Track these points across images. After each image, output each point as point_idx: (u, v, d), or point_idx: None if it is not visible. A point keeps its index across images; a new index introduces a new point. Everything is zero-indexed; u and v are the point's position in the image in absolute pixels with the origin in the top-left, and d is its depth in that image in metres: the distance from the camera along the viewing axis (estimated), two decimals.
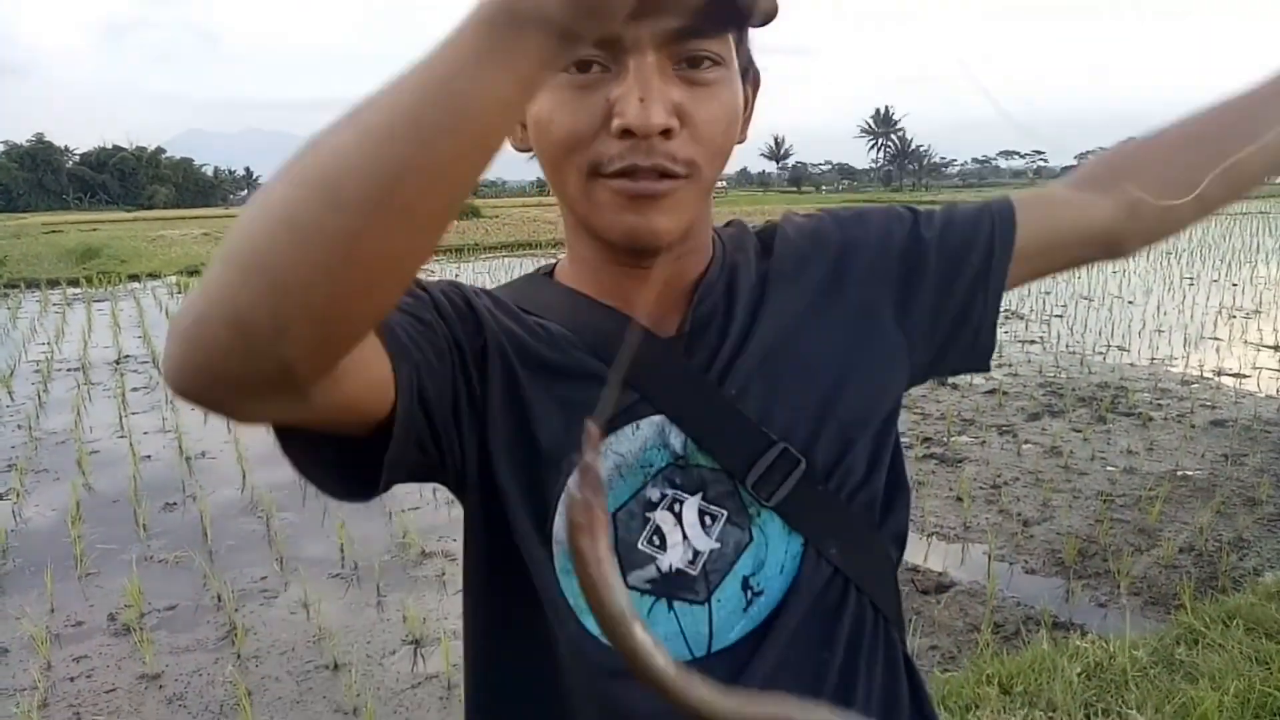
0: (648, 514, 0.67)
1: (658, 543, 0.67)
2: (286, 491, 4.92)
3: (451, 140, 0.43)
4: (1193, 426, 5.57)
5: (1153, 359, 7.64)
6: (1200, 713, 2.44)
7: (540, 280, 0.77)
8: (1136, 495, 4.45)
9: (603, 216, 0.65)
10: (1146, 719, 2.46)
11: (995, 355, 0.85)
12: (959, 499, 4.45)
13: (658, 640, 0.45)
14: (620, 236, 0.66)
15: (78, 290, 15.70)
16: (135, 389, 7.57)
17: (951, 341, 0.79)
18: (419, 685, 3.01)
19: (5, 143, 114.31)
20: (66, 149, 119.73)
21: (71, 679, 3.12)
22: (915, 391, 5.48)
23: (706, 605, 0.68)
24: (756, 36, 0.70)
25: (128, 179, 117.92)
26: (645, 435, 0.68)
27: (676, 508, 0.68)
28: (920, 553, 3.86)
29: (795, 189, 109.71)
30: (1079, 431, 5.55)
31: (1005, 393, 6.50)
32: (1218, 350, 7.86)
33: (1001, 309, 0.80)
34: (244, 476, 5.17)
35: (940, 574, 3.67)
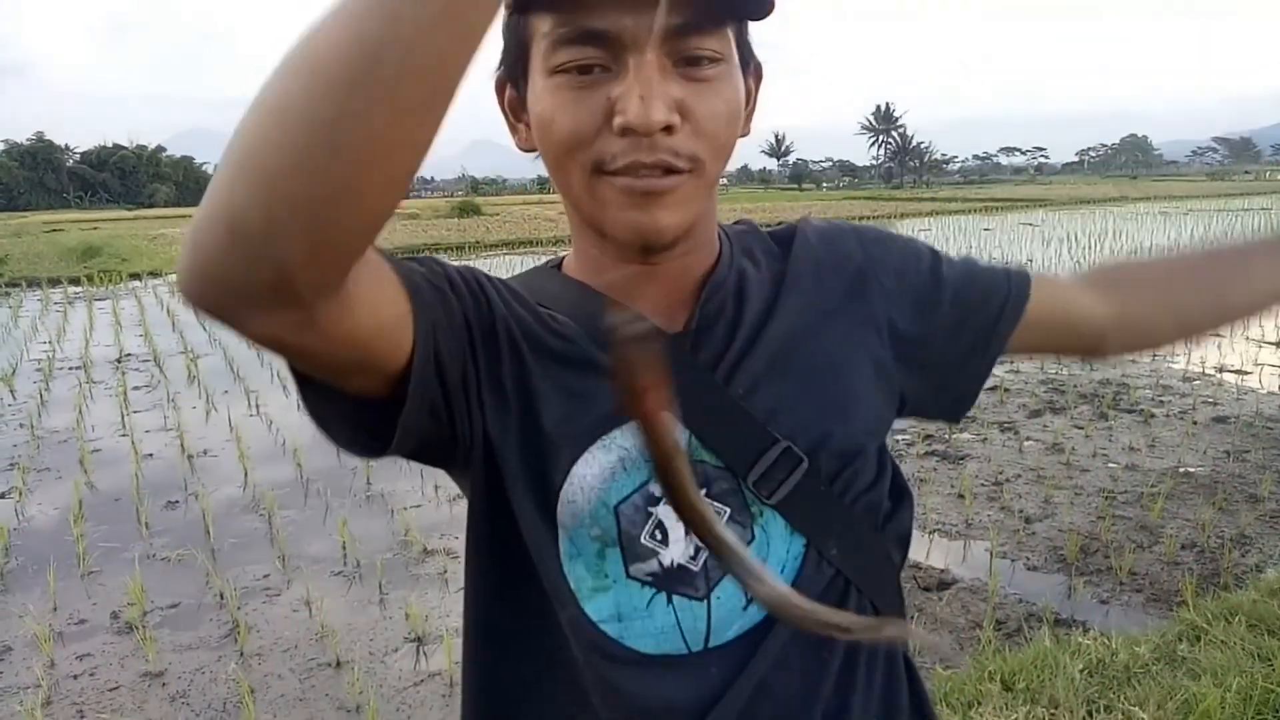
0: (650, 508, 0.67)
1: (660, 537, 0.67)
2: (288, 489, 4.93)
3: (424, 8, 0.42)
4: (1194, 423, 5.57)
5: (1154, 355, 7.63)
6: (1202, 709, 2.44)
7: (549, 272, 0.78)
8: (1138, 492, 4.45)
9: (607, 214, 0.66)
10: (1149, 716, 2.46)
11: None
12: (961, 496, 4.45)
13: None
14: (625, 233, 0.66)
15: (79, 289, 15.71)
16: (137, 387, 7.58)
17: (940, 388, 0.80)
18: (421, 683, 3.02)
19: (6, 141, 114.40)
20: (67, 147, 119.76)
21: (74, 677, 3.13)
22: None
23: (705, 601, 0.68)
24: (756, 31, 0.71)
25: (128, 177, 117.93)
26: None
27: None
28: (922, 550, 3.86)
29: (796, 186, 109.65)
30: (1081, 428, 5.55)
31: (1007, 389, 6.50)
32: (1219, 347, 7.85)
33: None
34: (246, 474, 5.18)
35: (942, 571, 3.67)
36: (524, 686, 0.72)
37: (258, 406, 6.79)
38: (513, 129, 0.73)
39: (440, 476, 5.01)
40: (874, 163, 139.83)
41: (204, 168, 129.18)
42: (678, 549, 0.67)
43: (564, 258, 0.78)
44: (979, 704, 2.56)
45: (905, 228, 25.75)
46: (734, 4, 0.65)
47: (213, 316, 0.49)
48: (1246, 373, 6.91)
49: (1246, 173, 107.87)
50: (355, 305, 0.52)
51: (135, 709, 2.93)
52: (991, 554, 3.79)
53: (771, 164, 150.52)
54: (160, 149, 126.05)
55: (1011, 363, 7.39)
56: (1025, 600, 3.42)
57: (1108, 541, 3.88)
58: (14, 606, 3.66)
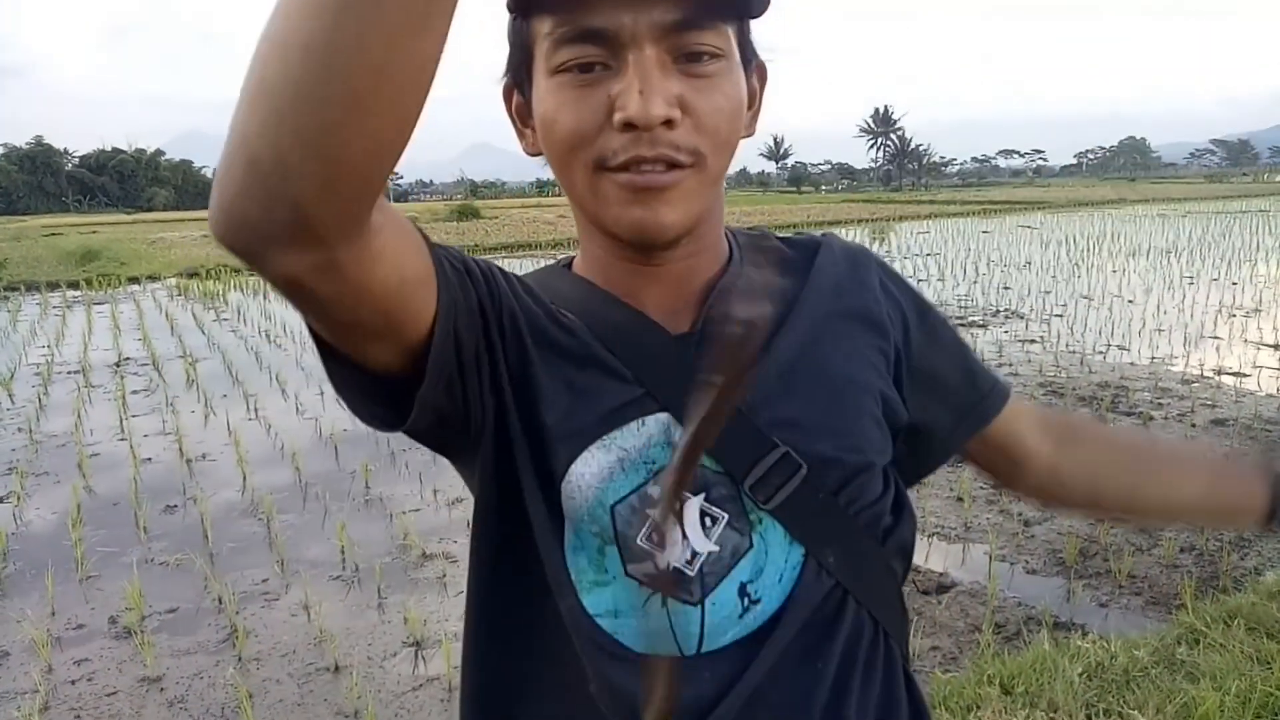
0: (648, 510, 0.67)
1: (656, 540, 0.67)
2: (287, 494, 4.92)
3: None
4: (1193, 426, 5.57)
5: (1153, 358, 7.64)
6: (1202, 712, 2.44)
7: (559, 271, 0.78)
8: None
9: (610, 211, 0.66)
10: (1148, 719, 2.46)
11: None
12: (960, 499, 4.45)
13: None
14: (628, 230, 0.66)
15: (77, 293, 15.71)
16: (135, 391, 7.57)
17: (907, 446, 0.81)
18: (420, 687, 3.01)
19: (5, 145, 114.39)
20: (66, 151, 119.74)
21: (72, 682, 3.12)
22: None
23: (700, 607, 0.68)
24: (766, 35, 0.71)
25: (127, 181, 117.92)
26: (650, 431, 0.68)
27: (677, 506, 0.67)
28: (921, 553, 3.86)
29: (795, 189, 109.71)
30: None
31: None
32: (1218, 349, 7.86)
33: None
34: (244, 479, 5.18)
35: (941, 574, 3.67)
36: (524, 679, 0.72)
37: (256, 410, 6.78)
38: (520, 134, 0.73)
39: (439, 480, 5.02)
40: (873, 165, 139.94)
41: (203, 171, 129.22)
42: (674, 552, 0.67)
43: (574, 258, 0.79)
44: (978, 707, 2.56)
45: (904, 230, 25.77)
46: (731, 1, 0.65)
47: (240, 257, 0.50)
48: (1245, 375, 6.91)
49: (1244, 175, 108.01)
50: (379, 256, 0.53)
51: (133, 714, 2.92)
52: (990, 557, 3.79)
53: (770, 167, 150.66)
54: (159, 153, 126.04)
55: (1011, 366, 7.40)
56: (1024, 603, 3.42)
57: (1107, 545, 3.88)
58: (12, 611, 3.65)
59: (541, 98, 0.67)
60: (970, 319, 9.81)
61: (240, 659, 3.21)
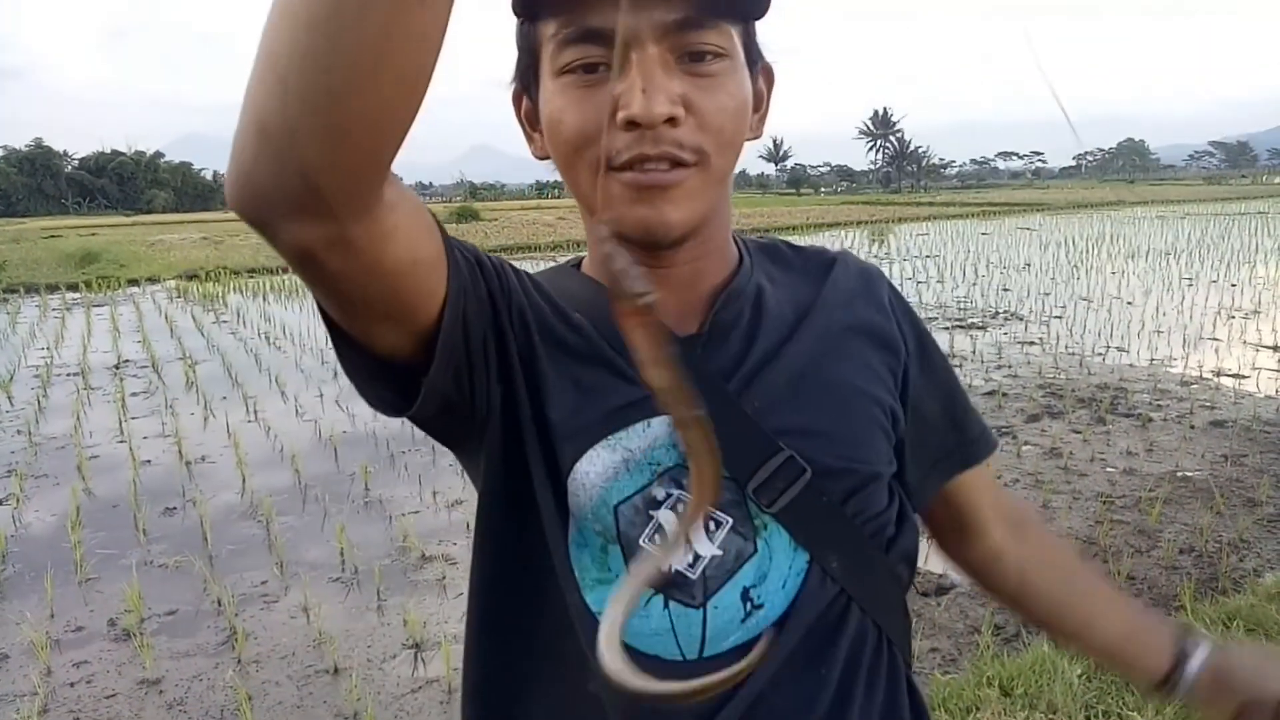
0: (651, 511, 0.67)
1: (659, 541, 0.67)
2: (286, 496, 4.92)
3: None
4: (1192, 427, 5.58)
5: (1152, 360, 7.64)
6: (1202, 714, 2.44)
7: (568, 271, 0.78)
8: (1136, 496, 4.45)
9: (615, 210, 0.66)
10: None
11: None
12: None
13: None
14: (633, 229, 0.66)
15: (77, 295, 15.70)
16: (135, 394, 7.57)
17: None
18: (419, 689, 3.01)
19: (4, 147, 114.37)
20: (65, 153, 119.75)
21: (72, 684, 3.12)
22: None
23: (702, 610, 0.67)
24: (774, 38, 0.72)
25: (126, 183, 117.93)
26: (655, 433, 0.68)
27: (680, 509, 0.67)
28: (921, 555, 3.85)
29: (794, 191, 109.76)
30: (1078, 433, 5.55)
31: (1004, 394, 6.51)
32: (1217, 351, 7.86)
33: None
34: (243, 481, 5.17)
35: (941, 576, 3.67)
36: (525, 675, 0.72)
37: (256, 413, 6.78)
38: (529, 138, 0.74)
39: (439, 482, 5.02)
40: (872, 167, 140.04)
41: (202, 173, 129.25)
42: (676, 556, 0.67)
43: (582, 259, 0.79)
44: (977, 709, 2.56)
45: (903, 232, 25.78)
46: (732, 1, 0.65)
47: (254, 227, 0.51)
48: (1244, 377, 6.92)
49: (1243, 177, 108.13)
50: (391, 235, 0.53)
51: (132, 716, 2.92)
52: None
53: (769, 169, 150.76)
54: (158, 155, 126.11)
55: (1010, 368, 7.40)
56: None
57: (1106, 546, 3.88)
58: (11, 613, 3.65)
59: (548, 99, 0.67)
60: (969, 321, 9.81)
61: (240, 661, 3.21)
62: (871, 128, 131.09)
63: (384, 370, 0.62)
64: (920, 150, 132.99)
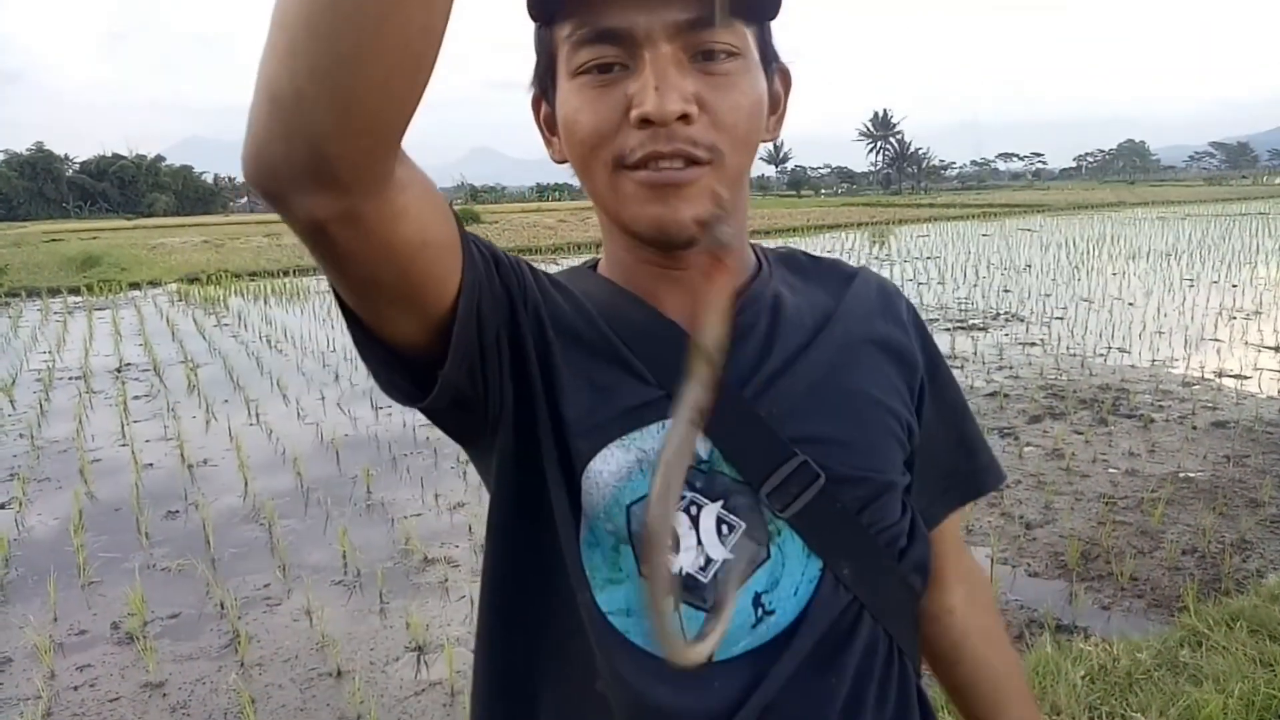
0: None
1: (671, 543, 0.67)
2: (288, 499, 4.92)
3: None
4: (1194, 428, 5.57)
5: (1154, 361, 7.64)
6: (1205, 715, 2.44)
7: (584, 272, 0.78)
8: (1139, 497, 4.44)
9: (629, 209, 0.66)
10: None
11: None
12: None
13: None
14: (647, 228, 0.66)
15: (79, 298, 15.72)
16: (137, 397, 7.57)
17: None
18: (422, 692, 3.01)
19: (5, 151, 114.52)
20: (66, 157, 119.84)
21: (75, 688, 3.12)
22: None
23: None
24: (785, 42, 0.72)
25: (128, 187, 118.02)
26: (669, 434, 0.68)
27: (694, 511, 0.67)
28: None
29: (795, 193, 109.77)
30: (1080, 434, 5.55)
31: (1006, 395, 6.50)
32: (1218, 352, 7.86)
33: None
34: (246, 484, 5.18)
35: None
36: (533, 672, 0.71)
37: (257, 416, 6.79)
38: (547, 143, 0.74)
39: (441, 485, 5.03)
40: (872, 169, 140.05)
41: (203, 177, 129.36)
42: (688, 558, 0.67)
43: (598, 260, 0.79)
44: None
45: (904, 233, 25.78)
46: (744, 1, 0.66)
47: (266, 199, 0.51)
48: (1246, 377, 6.91)
49: (1244, 178, 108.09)
50: (402, 214, 0.54)
51: (136, 719, 2.92)
52: (992, 560, 3.79)
53: (769, 171, 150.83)
54: (159, 158, 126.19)
55: (1011, 369, 7.40)
56: (1026, 606, 3.42)
57: (1108, 547, 3.87)
58: (14, 617, 3.65)
59: (563, 100, 0.68)
60: (970, 322, 9.81)
61: (242, 664, 3.21)
62: (871, 129, 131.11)
63: (398, 360, 0.62)
64: (920, 152, 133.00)
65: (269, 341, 10.14)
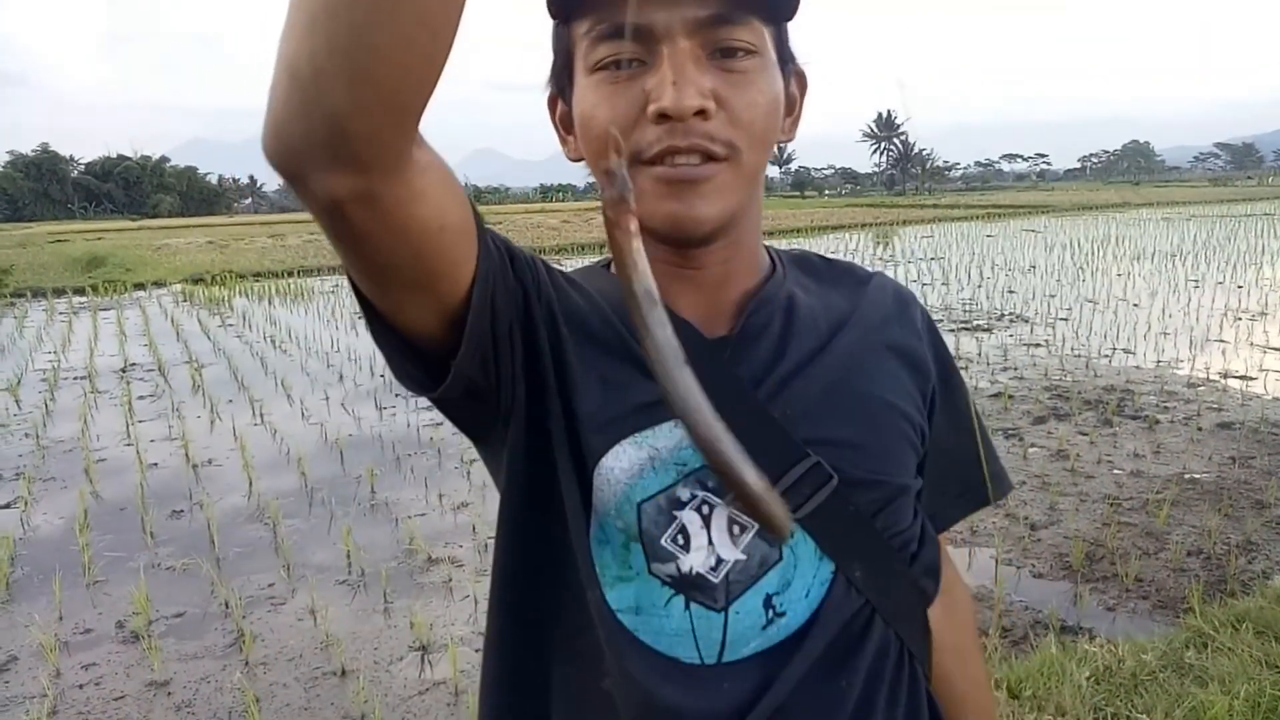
0: (675, 512, 0.67)
1: (681, 542, 0.67)
2: (293, 498, 4.93)
3: None
4: (1199, 429, 5.56)
5: (1159, 362, 7.62)
6: (1210, 717, 2.43)
7: (598, 270, 0.79)
8: (1144, 498, 4.43)
9: (645, 205, 0.66)
10: None
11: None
12: None
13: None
14: (662, 224, 0.66)
15: (83, 299, 15.76)
16: (141, 397, 7.59)
17: None
18: (426, 691, 3.01)
19: (10, 153, 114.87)
20: (71, 158, 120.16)
21: (80, 686, 3.13)
22: None
23: (723, 614, 0.67)
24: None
25: (132, 188, 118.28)
26: (682, 434, 0.67)
27: (705, 510, 0.67)
28: None
29: (799, 194, 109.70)
30: (1085, 435, 5.53)
31: (1011, 396, 6.49)
32: (1224, 353, 7.84)
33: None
34: (250, 484, 5.19)
35: None
36: (540, 670, 0.71)
37: (262, 416, 6.80)
38: (563, 141, 0.75)
39: (444, 485, 5.03)
40: (876, 170, 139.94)
41: (207, 178, 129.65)
42: (698, 557, 0.67)
43: (611, 259, 0.79)
44: None
45: (908, 234, 25.75)
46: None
47: (285, 178, 0.51)
48: (1251, 378, 6.89)
49: (1249, 178, 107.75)
50: (420, 196, 0.54)
51: (141, 718, 2.92)
52: (997, 561, 3.78)
53: (774, 172, 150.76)
54: (164, 159, 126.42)
55: (1016, 370, 7.38)
56: (1031, 608, 3.41)
57: (1113, 548, 3.87)
58: (20, 616, 3.66)
59: (580, 96, 0.68)
60: (975, 323, 9.80)
61: (247, 663, 3.22)
62: (875, 130, 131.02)
63: (412, 349, 0.62)
64: (924, 153, 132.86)
65: (273, 342, 10.15)
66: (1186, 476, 4.73)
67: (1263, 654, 2.76)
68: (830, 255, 0.85)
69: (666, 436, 0.68)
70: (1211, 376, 6.97)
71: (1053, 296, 11.56)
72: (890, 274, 0.86)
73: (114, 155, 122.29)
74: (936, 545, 0.78)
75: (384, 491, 4.98)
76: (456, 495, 4.85)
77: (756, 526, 0.67)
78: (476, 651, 3.21)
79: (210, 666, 3.23)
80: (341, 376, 8.08)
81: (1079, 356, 7.91)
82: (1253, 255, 16.08)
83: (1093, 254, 17.60)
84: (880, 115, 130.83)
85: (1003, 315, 10.31)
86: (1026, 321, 9.84)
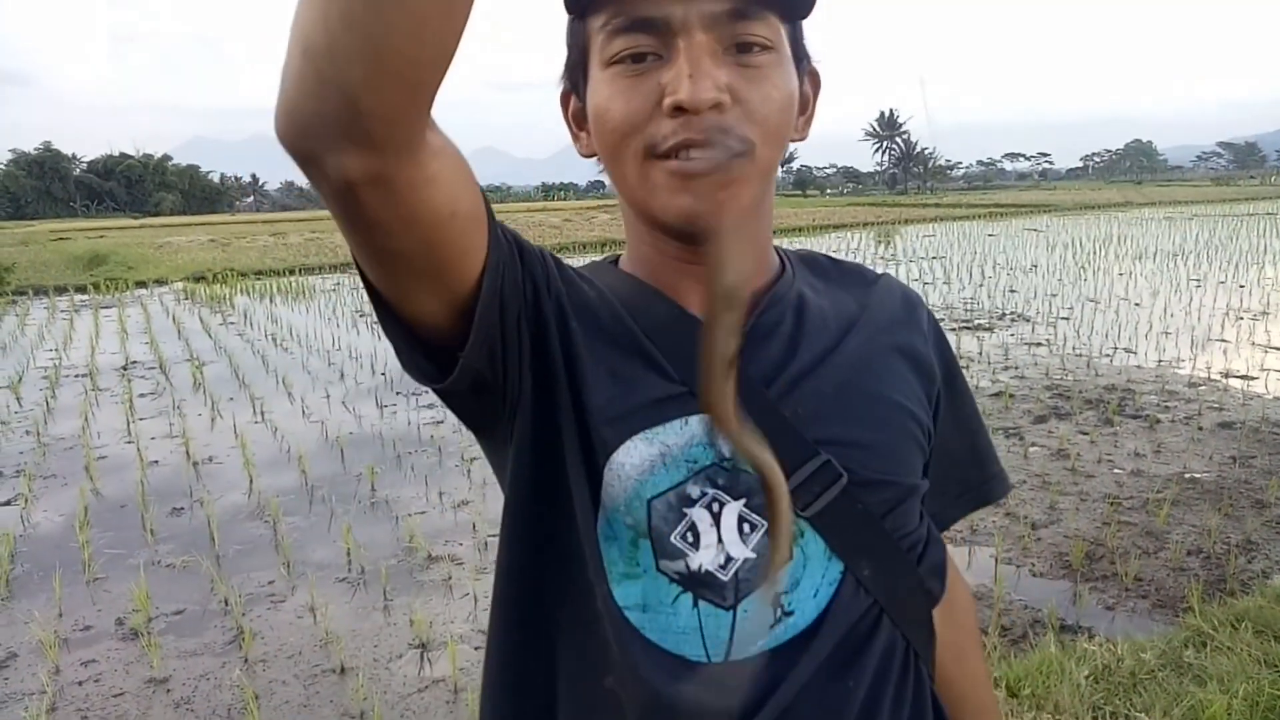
0: (685, 509, 0.66)
1: (691, 540, 0.66)
2: (293, 496, 4.94)
3: None
4: (1200, 429, 5.55)
5: (1160, 361, 7.61)
6: (1209, 715, 2.43)
7: (606, 266, 0.78)
8: (1144, 498, 4.43)
9: (658, 199, 0.66)
10: None
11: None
12: None
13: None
14: (675, 218, 0.66)
15: (85, 297, 15.77)
16: (142, 395, 7.60)
17: None
18: (426, 689, 3.02)
19: (13, 151, 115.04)
20: (74, 157, 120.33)
21: (80, 683, 3.13)
22: None
23: (731, 612, 0.67)
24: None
25: (134, 186, 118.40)
26: (694, 431, 0.67)
27: (716, 508, 0.67)
28: None
29: (800, 193, 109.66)
30: (1086, 434, 5.53)
31: (1012, 395, 6.49)
32: (1225, 352, 7.83)
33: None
34: (250, 481, 5.19)
35: None
36: (548, 667, 0.70)
37: (262, 413, 6.80)
38: (575, 137, 0.74)
39: (445, 483, 5.03)
40: (878, 169, 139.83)
41: (209, 176, 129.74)
42: (708, 555, 0.66)
43: (619, 256, 0.79)
44: None
45: (910, 233, 25.74)
46: None
47: (298, 158, 0.51)
48: (1252, 378, 6.89)
49: (1251, 178, 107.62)
50: (433, 180, 0.53)
51: (140, 715, 2.93)
52: (997, 560, 3.78)
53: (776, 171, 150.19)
54: (166, 158, 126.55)
55: (1017, 369, 7.38)
56: (1030, 606, 3.41)
57: (1113, 547, 3.86)
58: (20, 613, 3.67)
59: (595, 89, 0.67)
60: (976, 322, 9.79)
61: (246, 660, 3.22)
62: (877, 130, 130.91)
63: (420, 341, 0.62)
64: (926, 152, 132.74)
65: (274, 340, 10.16)
66: (1187, 476, 4.73)
67: (1261, 653, 2.76)
68: (835, 255, 0.85)
69: (677, 433, 0.67)
70: (1213, 376, 6.97)
71: (1054, 296, 11.55)
72: (892, 273, 0.86)
73: (116, 154, 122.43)
74: (942, 546, 0.78)
75: (384, 489, 4.98)
76: (457, 493, 4.85)
77: (767, 524, 0.66)
78: (476, 649, 3.21)
79: (210, 664, 3.23)
80: (342, 374, 8.08)
81: (1080, 356, 7.91)
82: (1255, 255, 16.06)
83: (1094, 253, 17.59)
84: (882, 114, 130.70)
85: (1004, 314, 10.30)
86: (1028, 320, 9.83)
